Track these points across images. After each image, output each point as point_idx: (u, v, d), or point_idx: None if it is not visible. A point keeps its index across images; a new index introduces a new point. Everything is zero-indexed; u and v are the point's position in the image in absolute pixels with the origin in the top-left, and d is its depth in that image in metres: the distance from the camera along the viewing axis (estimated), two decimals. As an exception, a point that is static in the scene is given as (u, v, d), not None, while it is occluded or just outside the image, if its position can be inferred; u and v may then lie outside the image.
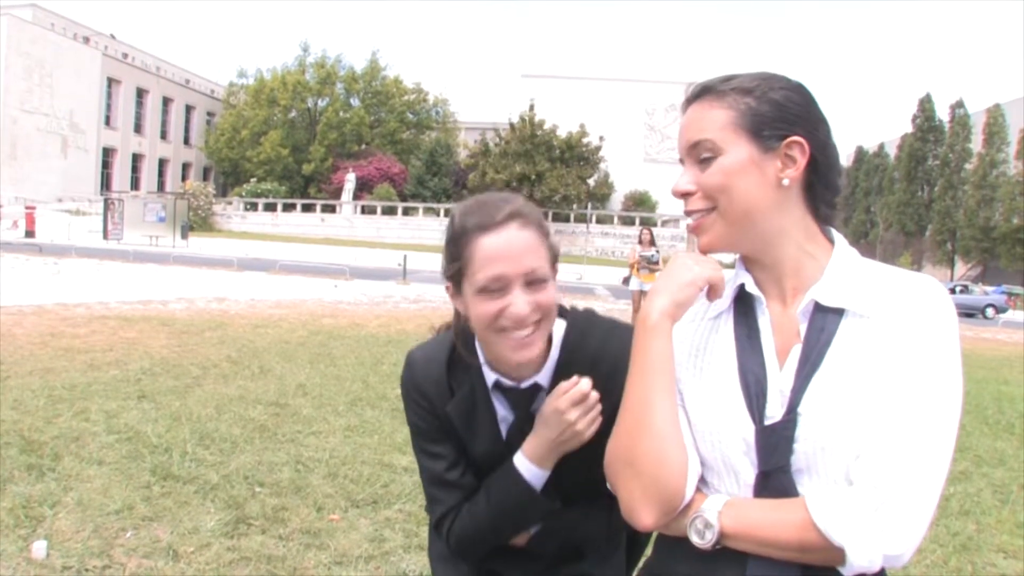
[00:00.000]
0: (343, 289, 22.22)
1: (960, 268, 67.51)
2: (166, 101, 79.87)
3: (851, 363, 1.18)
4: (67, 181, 64.32)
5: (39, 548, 3.84)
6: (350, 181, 66.82)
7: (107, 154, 72.61)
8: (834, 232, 1.33)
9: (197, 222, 56.44)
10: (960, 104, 68.81)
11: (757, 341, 1.26)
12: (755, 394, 1.21)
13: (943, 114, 70.13)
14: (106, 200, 47.67)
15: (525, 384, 1.66)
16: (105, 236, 43.45)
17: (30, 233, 40.60)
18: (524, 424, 1.67)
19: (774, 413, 1.19)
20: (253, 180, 71.26)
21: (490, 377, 1.68)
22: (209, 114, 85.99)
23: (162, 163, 79.51)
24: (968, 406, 9.62)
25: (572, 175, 61.97)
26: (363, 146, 75.42)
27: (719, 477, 1.26)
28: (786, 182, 1.25)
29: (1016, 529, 5.17)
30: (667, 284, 1.27)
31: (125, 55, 79.28)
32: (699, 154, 1.25)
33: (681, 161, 1.29)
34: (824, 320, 1.22)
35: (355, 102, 78.87)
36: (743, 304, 1.31)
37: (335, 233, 61.96)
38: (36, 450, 5.33)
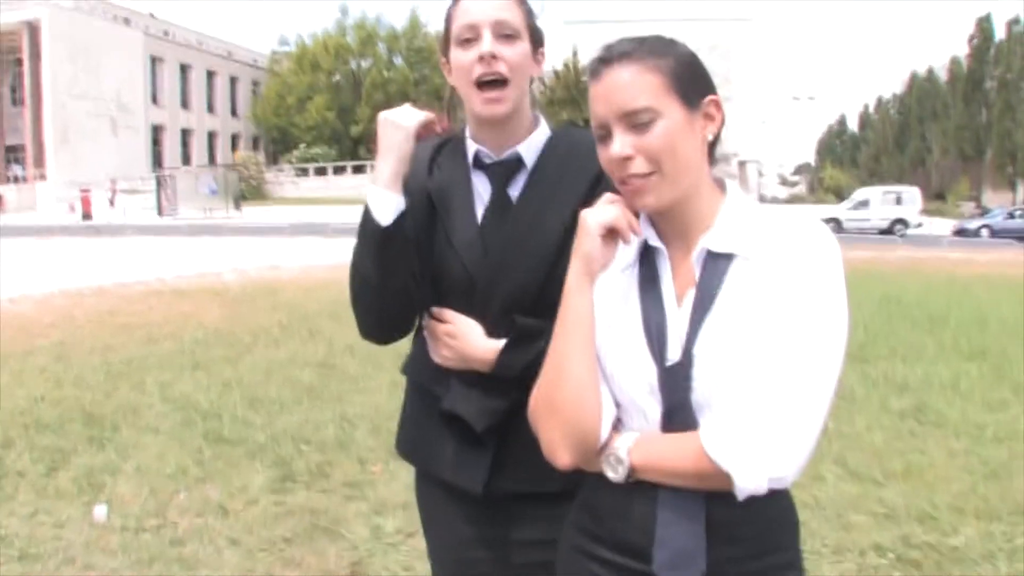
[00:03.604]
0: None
1: (1022, 192, 65.54)
2: (210, 74, 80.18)
3: (739, 305, 1.26)
4: (120, 161, 65.15)
5: (100, 512, 4.09)
6: (399, 139, 66.73)
7: (156, 132, 73.35)
8: (728, 181, 1.40)
9: (249, 191, 56.88)
10: (1017, 20, 66.26)
11: (658, 288, 1.34)
12: (656, 338, 1.30)
13: (1000, 33, 67.69)
14: (158, 177, 48.44)
15: (505, 155, 1.73)
16: (160, 212, 44.22)
17: (87, 216, 41.44)
18: (499, 206, 1.72)
19: (674, 355, 1.28)
20: (302, 146, 71.71)
21: (471, 148, 1.76)
22: (254, 83, 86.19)
23: (211, 136, 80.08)
24: (1014, 335, 9.45)
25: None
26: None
27: (630, 416, 1.35)
28: (710, 138, 1.34)
29: (1050, 454, 5.11)
30: (578, 246, 1.37)
31: (166, 32, 79.68)
32: (634, 120, 1.28)
33: (602, 127, 1.33)
34: (716, 266, 1.30)
35: (398, 61, 78.52)
36: (649, 256, 1.38)
37: (387, 192, 61.90)
38: (97, 423, 5.62)
